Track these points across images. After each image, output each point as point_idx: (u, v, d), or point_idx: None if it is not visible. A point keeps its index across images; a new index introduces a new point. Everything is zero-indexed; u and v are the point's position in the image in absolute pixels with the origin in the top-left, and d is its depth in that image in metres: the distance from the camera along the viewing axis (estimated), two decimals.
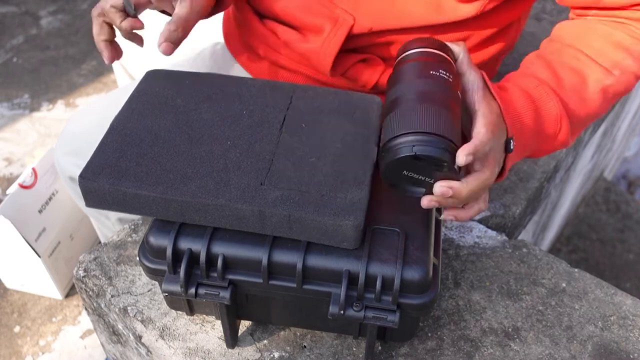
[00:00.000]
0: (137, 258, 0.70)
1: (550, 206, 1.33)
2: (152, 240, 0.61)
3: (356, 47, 0.78)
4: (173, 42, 0.68)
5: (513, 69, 0.70)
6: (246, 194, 0.58)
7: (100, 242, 1.19)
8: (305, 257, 0.59)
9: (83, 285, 0.78)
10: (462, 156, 0.55)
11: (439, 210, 0.66)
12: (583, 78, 0.68)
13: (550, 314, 0.73)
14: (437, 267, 0.62)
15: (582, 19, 0.73)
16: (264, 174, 0.60)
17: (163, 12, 0.75)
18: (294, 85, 0.70)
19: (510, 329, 0.71)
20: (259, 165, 0.60)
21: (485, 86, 0.62)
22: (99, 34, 0.71)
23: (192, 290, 0.60)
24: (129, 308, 0.73)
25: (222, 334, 0.67)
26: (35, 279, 1.33)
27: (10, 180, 1.66)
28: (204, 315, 0.72)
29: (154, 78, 0.70)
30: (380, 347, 0.69)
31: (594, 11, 0.71)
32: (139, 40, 0.76)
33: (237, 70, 0.87)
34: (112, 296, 0.74)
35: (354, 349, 0.69)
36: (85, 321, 1.35)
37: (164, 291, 0.61)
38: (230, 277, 0.60)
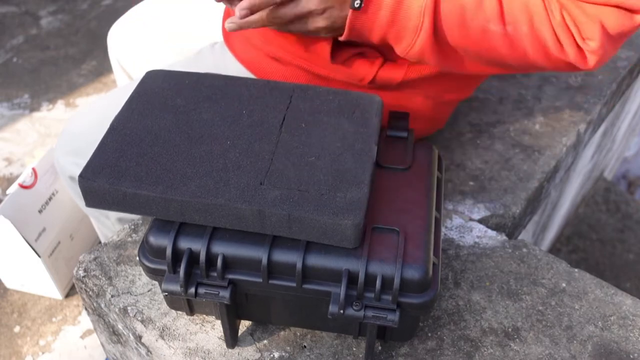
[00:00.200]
0: (137, 258, 0.70)
1: (550, 206, 1.34)
2: (152, 240, 0.61)
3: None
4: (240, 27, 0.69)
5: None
6: (246, 193, 0.58)
7: (100, 242, 1.19)
8: (305, 256, 0.59)
9: (83, 285, 0.78)
10: None
11: (438, 209, 0.66)
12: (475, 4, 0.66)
13: (550, 314, 0.73)
14: (437, 267, 0.62)
15: None
16: (263, 173, 0.60)
17: None
18: (293, 85, 0.70)
19: (510, 329, 0.71)
20: (259, 164, 0.60)
21: None
22: None
23: (192, 290, 0.60)
24: (129, 308, 0.73)
25: (222, 334, 0.67)
26: (35, 279, 1.33)
27: (10, 180, 1.66)
28: (204, 315, 0.72)
29: (154, 78, 0.70)
30: (380, 347, 0.69)
31: None
32: None
33: (237, 70, 0.87)
34: (112, 296, 0.74)
35: (354, 349, 0.69)
36: (85, 321, 1.35)
37: (163, 291, 0.61)
38: (230, 276, 0.60)
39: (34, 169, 1.25)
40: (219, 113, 0.66)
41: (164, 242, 0.60)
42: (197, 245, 0.60)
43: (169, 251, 0.60)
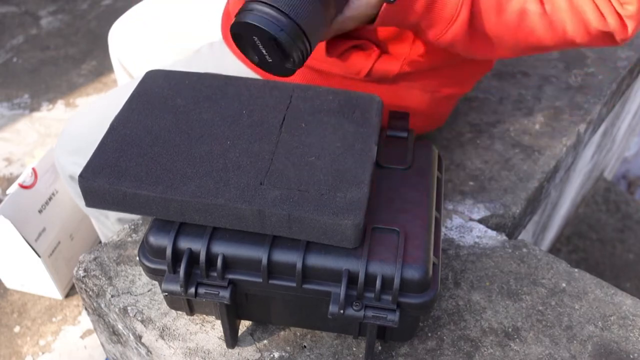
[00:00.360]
0: (137, 258, 0.70)
1: (550, 206, 1.33)
2: (152, 240, 0.61)
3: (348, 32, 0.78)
4: None
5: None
6: (246, 193, 0.58)
7: (100, 242, 1.19)
8: (305, 256, 0.59)
9: (83, 285, 0.78)
10: None
11: (438, 210, 0.66)
12: None
13: (550, 314, 0.73)
14: (437, 267, 0.62)
15: None
16: (263, 173, 0.60)
17: None
18: (293, 85, 0.70)
19: (510, 329, 0.71)
20: (259, 164, 0.60)
21: None
22: None
23: (192, 290, 0.60)
24: (129, 308, 0.73)
25: (222, 334, 0.67)
26: (35, 279, 1.33)
27: (10, 180, 1.66)
28: (204, 315, 0.72)
29: (153, 78, 0.70)
30: (380, 347, 0.69)
31: None
32: None
33: (236, 69, 0.87)
34: (112, 296, 0.74)
35: (354, 349, 0.69)
36: (85, 321, 1.35)
37: (163, 291, 0.61)
38: (230, 276, 0.60)
39: (34, 169, 1.25)
40: (219, 113, 0.66)
41: (164, 242, 0.60)
42: (197, 245, 0.60)
43: (169, 251, 0.60)
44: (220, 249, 0.59)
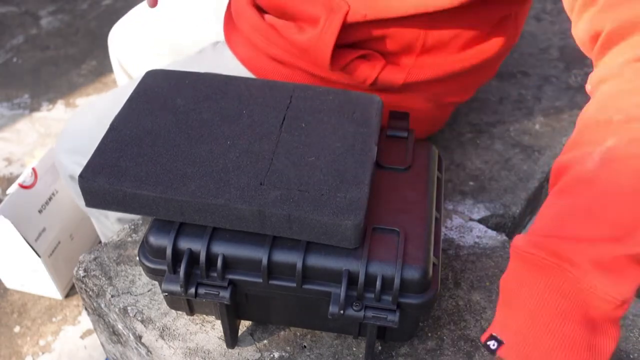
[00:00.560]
0: (137, 258, 0.70)
1: None
2: (152, 240, 0.61)
3: (354, 42, 0.78)
4: None
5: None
6: (246, 193, 0.58)
7: (100, 242, 1.19)
8: (305, 256, 0.59)
9: (83, 285, 0.78)
10: None
11: (438, 210, 0.66)
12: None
13: None
14: (437, 267, 0.62)
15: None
16: (263, 173, 0.60)
17: None
18: (293, 85, 0.70)
19: None
20: (259, 165, 0.60)
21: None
22: None
23: (192, 290, 0.60)
24: (129, 308, 0.73)
25: (222, 334, 0.67)
26: (35, 279, 1.33)
27: (10, 180, 1.66)
28: (204, 315, 0.72)
29: (153, 78, 0.70)
30: (380, 347, 0.69)
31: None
32: None
33: (237, 70, 0.87)
34: (112, 296, 0.74)
35: (354, 349, 0.69)
36: (85, 321, 1.35)
37: (163, 291, 0.61)
38: (230, 276, 0.60)
39: (34, 169, 1.25)
40: (219, 113, 0.66)
41: (164, 242, 0.60)
42: (197, 246, 0.60)
43: (169, 251, 0.60)
44: (220, 249, 0.59)
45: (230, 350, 0.68)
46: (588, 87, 0.56)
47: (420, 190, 0.65)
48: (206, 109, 0.66)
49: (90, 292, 0.77)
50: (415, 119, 0.77)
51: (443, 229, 0.84)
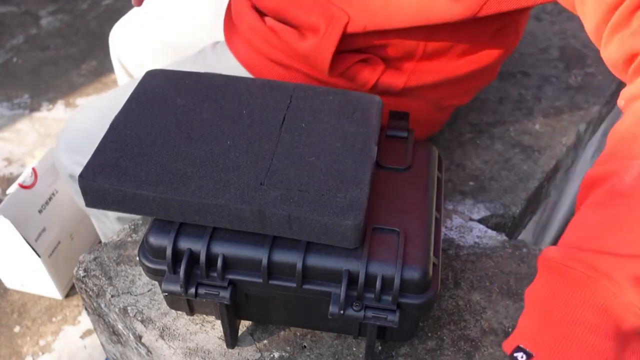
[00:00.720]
0: (137, 258, 0.70)
1: (550, 206, 1.33)
2: (152, 240, 0.61)
3: (355, 48, 0.78)
4: None
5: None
6: (246, 193, 0.58)
7: (100, 242, 1.19)
8: (305, 257, 0.59)
9: (83, 285, 0.78)
10: None
11: (438, 210, 0.66)
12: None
13: None
14: (437, 267, 0.62)
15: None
16: (263, 173, 0.60)
17: None
18: (293, 85, 0.70)
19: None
20: (259, 165, 0.60)
21: None
22: None
23: (192, 290, 0.60)
24: (129, 308, 0.73)
25: (222, 334, 0.67)
26: (35, 279, 1.33)
27: (10, 180, 1.66)
28: (204, 315, 0.72)
29: (154, 78, 0.70)
30: (380, 347, 0.69)
31: None
32: None
33: (237, 70, 0.87)
34: (112, 296, 0.74)
35: (354, 349, 0.69)
36: (85, 321, 1.35)
37: (163, 291, 0.61)
38: (230, 277, 0.60)
39: (34, 169, 1.25)
40: (219, 113, 0.66)
41: (164, 242, 0.60)
42: (197, 246, 0.60)
43: (169, 251, 0.60)
44: (221, 249, 0.59)
45: (230, 350, 0.69)
46: (621, 102, 0.55)
47: (420, 191, 0.65)
48: (206, 109, 0.66)
49: (90, 292, 0.77)
50: (415, 120, 0.78)
51: (443, 229, 0.84)
